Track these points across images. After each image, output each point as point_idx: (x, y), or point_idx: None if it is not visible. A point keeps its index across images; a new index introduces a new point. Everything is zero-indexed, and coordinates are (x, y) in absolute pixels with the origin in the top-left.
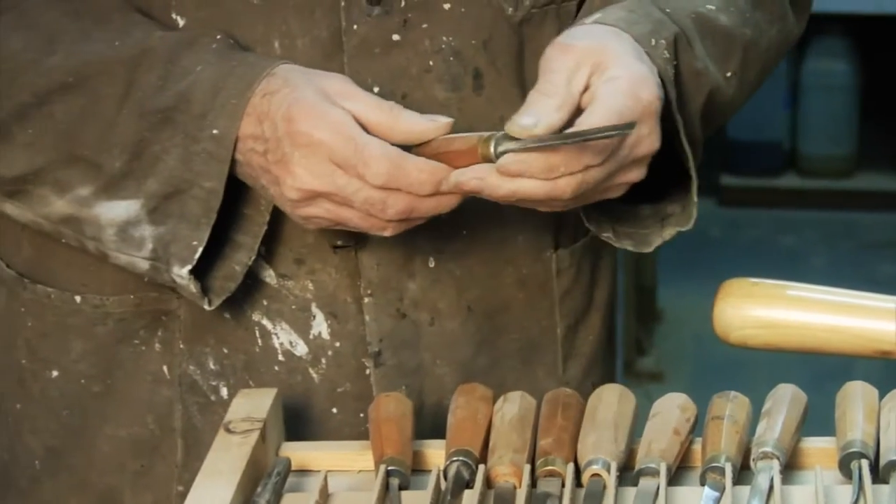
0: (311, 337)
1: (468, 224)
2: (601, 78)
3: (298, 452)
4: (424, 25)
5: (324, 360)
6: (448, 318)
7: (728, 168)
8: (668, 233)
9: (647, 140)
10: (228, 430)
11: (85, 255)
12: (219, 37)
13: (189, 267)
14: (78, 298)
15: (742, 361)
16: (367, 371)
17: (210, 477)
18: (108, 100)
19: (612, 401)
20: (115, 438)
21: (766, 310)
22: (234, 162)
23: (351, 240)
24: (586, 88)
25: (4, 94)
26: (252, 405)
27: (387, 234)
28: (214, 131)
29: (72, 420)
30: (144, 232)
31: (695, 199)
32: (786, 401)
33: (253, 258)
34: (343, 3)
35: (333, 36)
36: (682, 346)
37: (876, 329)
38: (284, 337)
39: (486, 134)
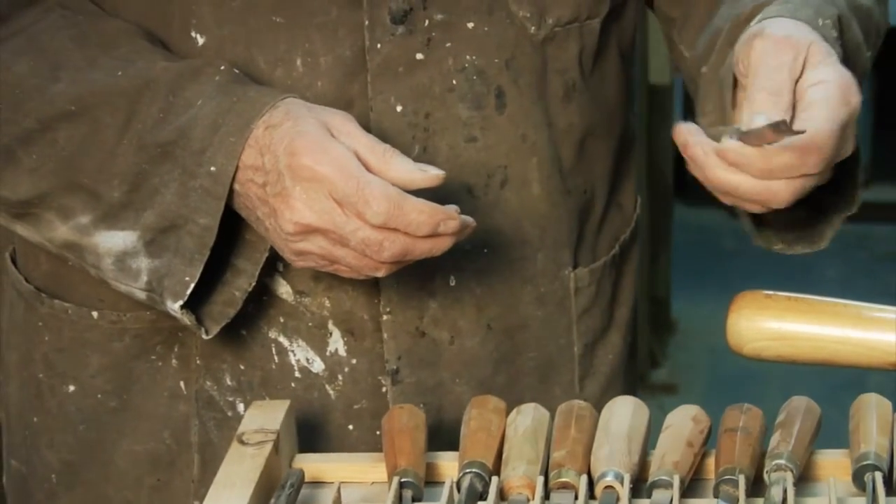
0: (327, 354)
1: (488, 242)
2: (813, 75)
3: (312, 464)
4: (448, 44)
5: (340, 377)
6: (468, 336)
7: None
8: (838, 221)
9: (850, 142)
10: (242, 442)
11: None
12: (223, 67)
13: (181, 302)
14: (95, 314)
15: (755, 373)
16: (384, 388)
17: (223, 488)
18: (108, 130)
19: (625, 413)
20: (131, 453)
21: (779, 322)
22: (232, 193)
23: None
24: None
25: (10, 119)
26: (265, 417)
27: (379, 274)
28: (212, 168)
29: (88, 435)
30: (141, 264)
31: (860, 179)
32: (799, 413)
33: (253, 284)
34: (367, 22)
35: (357, 54)
36: (695, 357)
37: (890, 341)
38: (301, 354)
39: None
